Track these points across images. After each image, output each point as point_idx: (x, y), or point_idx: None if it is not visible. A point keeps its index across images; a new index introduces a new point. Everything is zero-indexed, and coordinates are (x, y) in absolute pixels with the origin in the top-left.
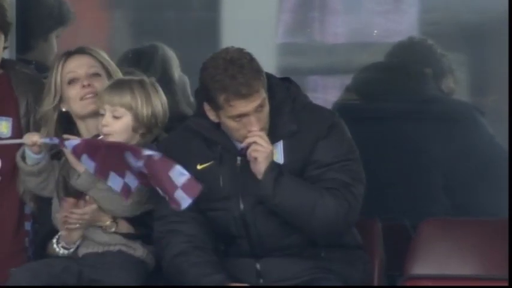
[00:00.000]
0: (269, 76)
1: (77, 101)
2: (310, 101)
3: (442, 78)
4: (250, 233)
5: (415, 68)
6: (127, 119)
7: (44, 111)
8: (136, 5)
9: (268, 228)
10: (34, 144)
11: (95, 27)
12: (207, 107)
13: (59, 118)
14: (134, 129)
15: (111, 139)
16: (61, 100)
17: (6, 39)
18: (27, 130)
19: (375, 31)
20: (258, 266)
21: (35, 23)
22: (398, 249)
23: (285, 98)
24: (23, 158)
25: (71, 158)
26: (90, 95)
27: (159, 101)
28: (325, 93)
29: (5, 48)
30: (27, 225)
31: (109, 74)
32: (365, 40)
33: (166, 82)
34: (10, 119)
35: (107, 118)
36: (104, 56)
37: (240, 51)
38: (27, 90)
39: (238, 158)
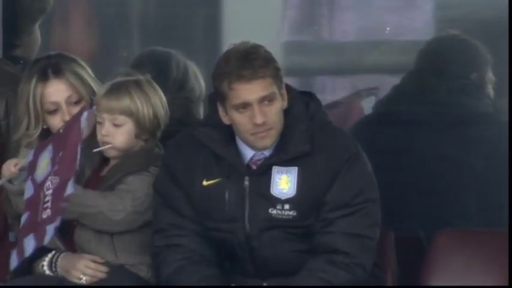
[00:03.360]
0: (288, 88)
1: None
2: (331, 121)
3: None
4: (256, 258)
5: (434, 70)
6: (129, 126)
7: (22, 135)
8: (135, 1)
9: (276, 255)
10: (15, 173)
11: (90, 24)
12: (219, 108)
13: (40, 134)
14: (137, 136)
15: (112, 151)
16: (42, 121)
17: None
18: (7, 133)
19: (387, 29)
20: (265, 284)
21: (19, 18)
22: (412, 261)
23: (301, 114)
24: (9, 180)
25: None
26: None
27: (159, 100)
28: (334, 94)
29: None
30: (12, 236)
31: (93, 92)
32: (376, 38)
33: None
34: None
35: (107, 128)
36: (85, 75)
37: (256, 45)
38: (6, 89)
39: (247, 178)
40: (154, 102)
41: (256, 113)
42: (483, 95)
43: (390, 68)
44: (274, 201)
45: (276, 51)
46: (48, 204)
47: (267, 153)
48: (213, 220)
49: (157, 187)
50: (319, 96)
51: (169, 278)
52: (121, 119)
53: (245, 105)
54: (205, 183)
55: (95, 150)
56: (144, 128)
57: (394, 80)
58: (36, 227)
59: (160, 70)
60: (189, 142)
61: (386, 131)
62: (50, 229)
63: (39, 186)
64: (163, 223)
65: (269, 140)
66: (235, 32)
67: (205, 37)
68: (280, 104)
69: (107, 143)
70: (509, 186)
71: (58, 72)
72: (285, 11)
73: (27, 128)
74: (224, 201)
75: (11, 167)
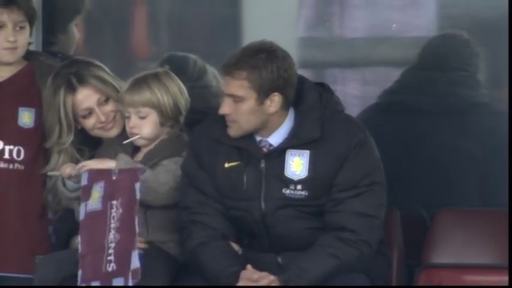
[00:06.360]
0: (303, 80)
1: (97, 130)
2: (342, 109)
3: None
4: (271, 234)
5: (440, 62)
6: (153, 117)
7: (54, 143)
8: (156, 0)
9: (290, 231)
10: (69, 176)
11: (116, 23)
12: None
13: (75, 136)
14: (162, 124)
15: (141, 141)
16: (75, 127)
17: (31, 32)
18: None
19: (394, 25)
20: (279, 259)
21: (59, 15)
22: (416, 239)
23: (314, 104)
24: (63, 182)
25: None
26: (110, 125)
27: (177, 89)
28: (344, 85)
29: (29, 44)
30: (50, 213)
31: (116, 89)
32: (384, 34)
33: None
34: (33, 110)
35: (134, 120)
36: (105, 76)
37: (268, 45)
38: (48, 79)
39: (262, 161)
40: (173, 91)
41: (222, 103)
42: (480, 86)
43: (396, 61)
44: (288, 182)
45: (292, 46)
46: (112, 257)
47: (270, 140)
48: (232, 199)
49: (185, 169)
50: (331, 87)
51: (193, 251)
52: (144, 111)
53: (223, 94)
54: (226, 165)
55: (124, 142)
56: (167, 116)
57: (400, 73)
58: (100, 276)
59: (177, 69)
60: (214, 128)
61: (393, 118)
62: (117, 282)
63: (89, 217)
64: (189, 201)
65: (232, 130)
66: (255, 29)
67: (225, 34)
68: (250, 107)
69: (135, 134)
70: (509, 169)
71: (82, 81)
72: (300, 10)
73: (60, 136)
74: (242, 182)
75: (67, 168)
